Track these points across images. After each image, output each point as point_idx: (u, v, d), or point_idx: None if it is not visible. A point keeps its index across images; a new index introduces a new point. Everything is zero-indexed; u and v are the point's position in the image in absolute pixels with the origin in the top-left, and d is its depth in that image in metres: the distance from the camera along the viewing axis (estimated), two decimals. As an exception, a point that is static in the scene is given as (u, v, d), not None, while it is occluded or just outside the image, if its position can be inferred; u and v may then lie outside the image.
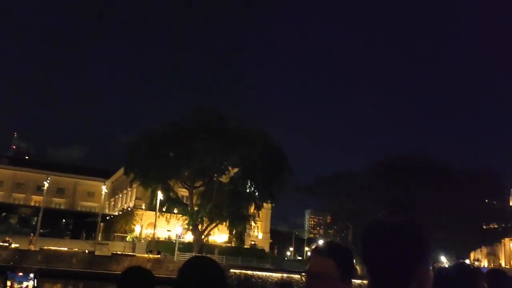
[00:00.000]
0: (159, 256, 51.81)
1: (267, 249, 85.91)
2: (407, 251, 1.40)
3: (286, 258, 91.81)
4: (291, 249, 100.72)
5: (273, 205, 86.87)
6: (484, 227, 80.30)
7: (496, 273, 3.51)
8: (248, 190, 60.26)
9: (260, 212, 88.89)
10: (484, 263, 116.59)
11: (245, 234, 72.87)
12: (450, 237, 70.35)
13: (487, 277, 3.09)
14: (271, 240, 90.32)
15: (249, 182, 59.95)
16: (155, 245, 57.03)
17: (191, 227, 59.30)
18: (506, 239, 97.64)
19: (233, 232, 63.24)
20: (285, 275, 55.02)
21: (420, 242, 1.44)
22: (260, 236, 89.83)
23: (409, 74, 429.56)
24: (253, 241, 79.36)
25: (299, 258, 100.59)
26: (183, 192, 64.81)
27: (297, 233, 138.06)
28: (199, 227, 59.81)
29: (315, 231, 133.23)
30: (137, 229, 65.10)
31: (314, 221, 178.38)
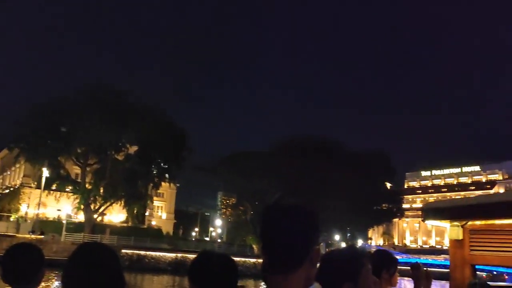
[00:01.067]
0: (42, 236, 48.69)
1: (171, 229, 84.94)
2: (301, 234, 1.47)
3: (193, 239, 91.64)
4: (196, 229, 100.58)
5: (178, 185, 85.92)
6: (380, 207, 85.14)
7: (381, 253, 3.54)
8: (145, 169, 58.41)
9: (165, 192, 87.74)
10: (380, 242, 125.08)
11: (146, 214, 71.22)
12: (345, 217, 73.87)
13: (373, 258, 3.06)
14: (175, 221, 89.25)
15: (146, 160, 58.09)
16: (40, 225, 53.58)
17: (82, 206, 56.43)
18: (398, 219, 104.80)
19: (134, 212, 61.49)
20: (179, 255, 54.53)
21: (313, 225, 1.52)
22: (164, 216, 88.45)
23: (316, 58, 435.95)
24: (152, 221, 77.69)
25: (206, 238, 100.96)
26: (76, 170, 61.48)
27: (207, 214, 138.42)
28: (92, 206, 57.12)
29: (227, 212, 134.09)
30: (23, 208, 60.74)
31: (226, 202, 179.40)
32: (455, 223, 6.52)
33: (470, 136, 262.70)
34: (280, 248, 1.46)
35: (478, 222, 6.40)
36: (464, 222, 6.48)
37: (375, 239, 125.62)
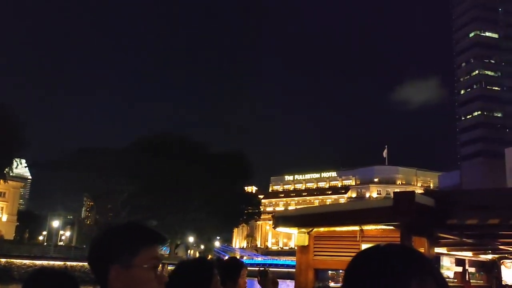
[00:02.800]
0: None
1: (11, 233, 76.72)
2: (100, 253, 1.50)
3: (45, 244, 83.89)
4: (45, 233, 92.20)
5: (23, 184, 78.12)
6: (238, 209, 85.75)
7: (230, 262, 3.62)
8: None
9: (7, 191, 78.80)
10: (243, 244, 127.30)
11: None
12: (202, 219, 72.98)
13: (223, 266, 3.15)
14: (17, 223, 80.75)
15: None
16: None
17: None
18: (256, 221, 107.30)
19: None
20: (3, 260, 48.74)
21: (108, 245, 1.50)
22: (5, 218, 79.59)
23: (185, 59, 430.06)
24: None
25: (61, 243, 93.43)
26: None
27: (70, 217, 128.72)
28: None
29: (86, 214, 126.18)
30: None
31: (89, 204, 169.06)
32: (302, 230, 7.18)
33: (331, 143, 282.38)
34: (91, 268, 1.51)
35: (322, 229, 7.15)
36: (310, 229, 7.17)
37: (239, 241, 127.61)
